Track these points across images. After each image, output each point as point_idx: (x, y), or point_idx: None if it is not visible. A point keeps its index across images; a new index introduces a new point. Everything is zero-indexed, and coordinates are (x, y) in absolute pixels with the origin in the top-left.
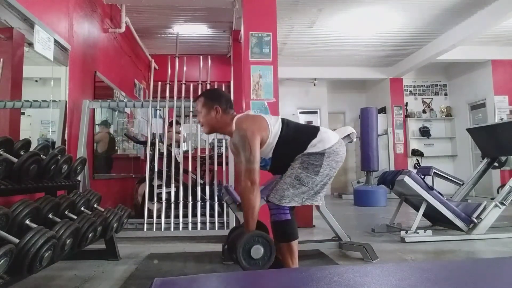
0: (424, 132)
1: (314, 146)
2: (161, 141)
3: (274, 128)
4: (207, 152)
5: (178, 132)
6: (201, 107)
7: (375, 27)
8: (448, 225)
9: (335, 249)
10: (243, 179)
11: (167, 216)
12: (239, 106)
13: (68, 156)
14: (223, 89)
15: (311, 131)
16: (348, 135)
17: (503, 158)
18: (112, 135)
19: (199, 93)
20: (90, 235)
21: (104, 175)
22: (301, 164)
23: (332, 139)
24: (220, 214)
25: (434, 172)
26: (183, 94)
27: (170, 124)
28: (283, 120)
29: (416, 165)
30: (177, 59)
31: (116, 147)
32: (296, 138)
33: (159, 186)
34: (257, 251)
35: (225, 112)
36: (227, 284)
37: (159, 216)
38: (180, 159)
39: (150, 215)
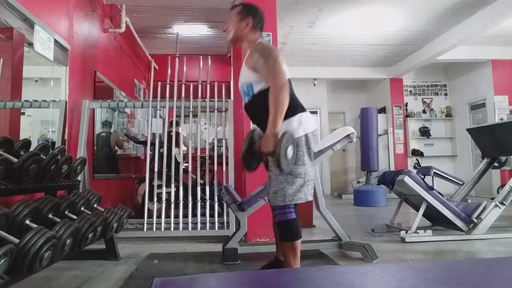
0: (424, 132)
1: (293, 123)
2: (161, 141)
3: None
4: (207, 152)
5: (178, 132)
6: (235, 14)
7: (375, 27)
8: (448, 225)
9: (335, 249)
10: (275, 79)
11: (167, 216)
12: (239, 106)
13: (68, 156)
14: (223, 89)
15: (299, 107)
16: (348, 135)
17: (503, 158)
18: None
19: (199, 93)
20: (90, 235)
21: (105, 175)
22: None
23: (312, 125)
24: (220, 214)
25: (434, 172)
26: (183, 94)
27: (170, 124)
28: (289, 80)
29: (416, 165)
30: (177, 59)
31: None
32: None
33: (159, 186)
34: (289, 152)
35: (254, 29)
36: (227, 284)
37: (159, 216)
38: (180, 159)
39: (150, 215)
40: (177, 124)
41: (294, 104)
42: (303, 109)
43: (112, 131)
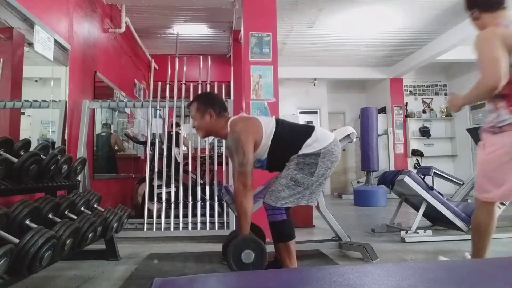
0: (424, 132)
1: (309, 146)
2: (161, 141)
3: (268, 128)
4: (207, 152)
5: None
6: (195, 112)
7: (375, 27)
8: (448, 225)
9: (335, 249)
10: (235, 182)
11: (167, 216)
12: (239, 106)
13: (68, 156)
14: (223, 89)
15: (306, 131)
16: (348, 135)
17: None
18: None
19: (199, 93)
20: (90, 235)
21: (105, 175)
22: (297, 165)
23: (327, 139)
24: (220, 214)
25: (434, 172)
26: (183, 94)
27: (171, 124)
28: (277, 120)
29: (416, 165)
30: (177, 59)
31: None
32: (291, 138)
33: (159, 186)
34: (248, 256)
35: (219, 115)
36: (227, 284)
37: (159, 216)
38: (180, 159)
39: (150, 215)
40: (178, 125)
41: (298, 139)
42: (308, 135)
43: (112, 131)
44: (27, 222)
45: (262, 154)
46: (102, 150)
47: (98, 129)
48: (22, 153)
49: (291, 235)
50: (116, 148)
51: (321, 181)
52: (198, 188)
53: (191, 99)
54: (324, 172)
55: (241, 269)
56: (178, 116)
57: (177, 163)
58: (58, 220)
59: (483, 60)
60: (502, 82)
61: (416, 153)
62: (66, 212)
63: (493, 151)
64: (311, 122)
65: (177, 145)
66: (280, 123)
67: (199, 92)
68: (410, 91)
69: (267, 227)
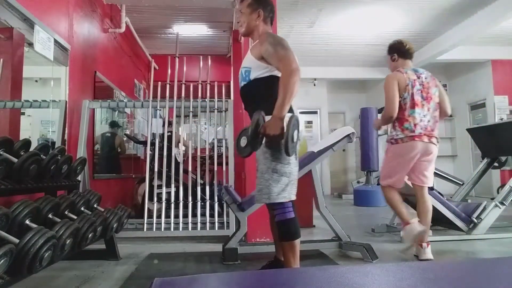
0: None
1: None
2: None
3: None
4: (207, 152)
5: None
6: (246, 6)
7: (375, 27)
8: (448, 225)
9: (335, 249)
10: (287, 63)
11: (167, 216)
12: (239, 106)
13: (68, 156)
14: (223, 89)
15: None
16: (348, 135)
17: (503, 158)
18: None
19: (199, 93)
20: (90, 235)
21: (105, 175)
22: (272, 156)
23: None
24: (220, 214)
25: (434, 172)
26: (183, 94)
27: (170, 124)
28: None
29: None
30: (177, 59)
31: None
32: (267, 96)
33: (159, 186)
34: (295, 136)
35: (265, 20)
36: (227, 284)
37: (159, 216)
38: (180, 159)
39: (150, 215)
40: (170, 124)
41: (270, 105)
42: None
43: (119, 130)
44: (27, 222)
45: (256, 67)
46: (109, 149)
47: (98, 128)
48: (22, 153)
49: (298, 234)
50: (119, 150)
51: (297, 169)
52: (198, 188)
53: (191, 99)
54: (296, 157)
55: (293, 147)
56: (178, 116)
57: (177, 163)
58: (58, 220)
59: (386, 98)
60: (395, 113)
61: None
62: (66, 212)
63: (390, 155)
64: (311, 122)
65: (170, 145)
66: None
67: (199, 92)
68: None
69: (267, 227)
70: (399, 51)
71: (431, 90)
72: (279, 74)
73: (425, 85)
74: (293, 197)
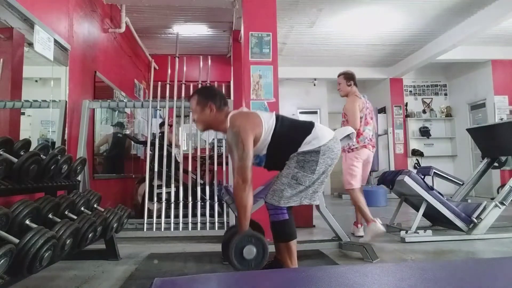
0: (424, 132)
1: (309, 143)
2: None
3: (268, 124)
4: (207, 152)
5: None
6: (195, 105)
7: (375, 27)
8: (448, 225)
9: (335, 249)
10: (235, 177)
11: (167, 216)
12: (239, 106)
13: (68, 156)
14: (223, 89)
15: (306, 128)
16: (348, 135)
17: (503, 158)
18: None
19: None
20: (90, 235)
21: (105, 175)
22: (297, 163)
23: (326, 136)
24: (220, 214)
25: (434, 172)
26: (183, 94)
27: (170, 124)
28: (277, 116)
29: (416, 165)
30: (177, 59)
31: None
32: (291, 134)
33: (159, 186)
34: (250, 251)
35: (219, 109)
36: (227, 284)
37: (159, 216)
38: (180, 159)
39: (150, 215)
40: (162, 124)
41: (298, 135)
42: (308, 131)
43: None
44: (27, 222)
45: (261, 149)
46: (120, 149)
47: (105, 128)
48: (22, 153)
49: (293, 235)
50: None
51: (322, 179)
52: (198, 188)
53: None
54: (325, 170)
55: (243, 266)
56: (178, 116)
57: (177, 163)
58: (58, 220)
59: (350, 115)
60: (358, 126)
61: (416, 153)
62: (66, 212)
63: (349, 162)
64: None
65: (162, 145)
66: (280, 119)
67: None
68: (410, 91)
69: (267, 227)
70: (354, 80)
71: (372, 112)
72: (273, 131)
73: (370, 108)
74: (305, 202)
